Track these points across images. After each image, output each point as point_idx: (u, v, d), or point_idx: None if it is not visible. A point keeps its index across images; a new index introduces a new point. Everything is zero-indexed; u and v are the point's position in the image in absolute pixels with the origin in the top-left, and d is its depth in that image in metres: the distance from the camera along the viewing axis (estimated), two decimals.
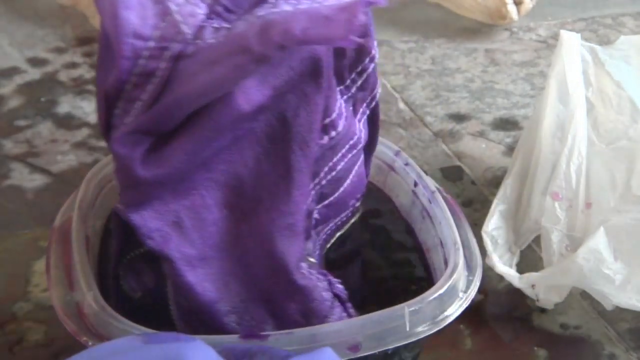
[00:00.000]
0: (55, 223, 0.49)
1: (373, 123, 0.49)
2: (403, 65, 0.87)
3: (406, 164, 0.53)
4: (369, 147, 0.50)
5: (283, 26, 0.38)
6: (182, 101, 0.40)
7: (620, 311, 0.56)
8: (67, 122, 0.75)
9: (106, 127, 0.42)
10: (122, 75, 0.40)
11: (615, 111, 0.62)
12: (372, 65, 0.47)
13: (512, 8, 0.90)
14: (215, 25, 0.41)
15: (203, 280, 0.42)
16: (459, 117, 0.78)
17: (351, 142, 0.47)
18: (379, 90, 0.48)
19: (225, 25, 0.41)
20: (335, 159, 0.47)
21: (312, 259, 0.45)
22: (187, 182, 0.42)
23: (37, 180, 0.68)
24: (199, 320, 0.42)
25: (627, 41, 0.66)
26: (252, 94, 0.41)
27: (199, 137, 0.40)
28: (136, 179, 0.40)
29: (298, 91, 0.42)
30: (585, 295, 0.57)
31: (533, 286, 0.55)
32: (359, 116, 0.48)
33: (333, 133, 0.46)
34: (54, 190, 0.67)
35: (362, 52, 0.46)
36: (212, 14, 0.41)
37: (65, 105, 0.78)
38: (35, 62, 0.84)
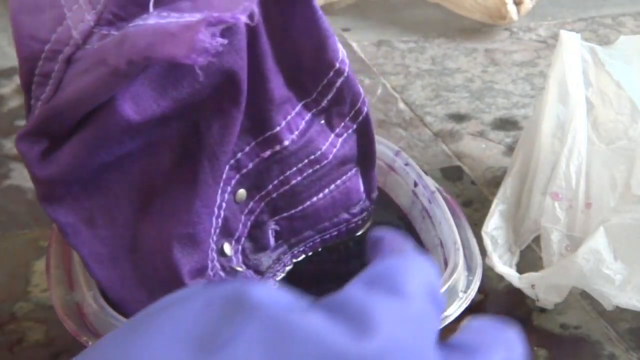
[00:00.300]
0: None
1: (363, 138, 0.49)
2: (403, 65, 0.87)
3: (406, 164, 0.53)
4: (362, 162, 0.50)
5: (132, 40, 0.38)
6: (61, 105, 0.41)
7: (620, 311, 0.56)
8: None
9: None
10: (26, 75, 0.42)
11: (615, 111, 0.62)
12: (340, 79, 0.46)
13: (512, 8, 0.90)
14: (104, 32, 0.41)
15: (113, 281, 0.43)
16: (459, 117, 0.78)
17: (312, 157, 0.47)
18: (365, 104, 0.48)
19: (114, 32, 0.41)
20: (287, 173, 0.47)
21: (239, 268, 0.45)
22: (98, 181, 0.43)
23: None
24: None
25: (627, 41, 0.66)
26: (144, 104, 0.41)
27: (86, 142, 0.41)
28: (34, 176, 0.42)
29: (213, 104, 0.42)
30: (585, 295, 0.57)
31: (533, 286, 0.55)
32: (337, 131, 0.48)
33: (277, 147, 0.46)
34: None
35: (320, 65, 0.46)
36: (100, 20, 0.41)
37: None
38: None
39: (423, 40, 0.92)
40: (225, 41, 0.37)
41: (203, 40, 0.36)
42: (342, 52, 0.46)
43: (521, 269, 0.58)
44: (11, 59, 0.85)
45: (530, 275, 0.55)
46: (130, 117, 0.41)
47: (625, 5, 1.01)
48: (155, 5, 0.41)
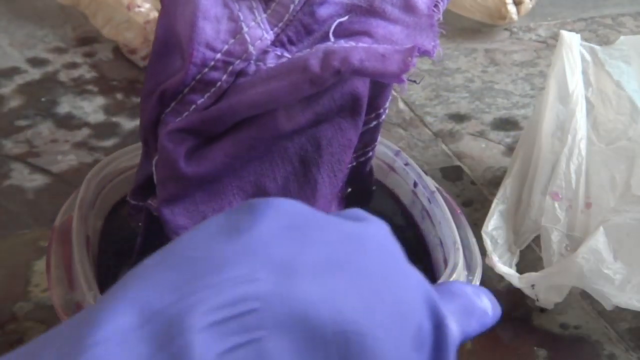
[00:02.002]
0: (55, 223, 0.49)
1: (359, 176, 0.50)
2: None
3: (406, 164, 0.53)
4: (355, 198, 0.50)
5: (343, 54, 0.41)
6: (235, 109, 0.42)
7: (620, 311, 0.56)
8: (67, 122, 0.75)
9: (154, 122, 0.44)
10: (187, 79, 0.43)
11: (615, 111, 0.62)
12: (374, 122, 0.49)
13: (512, 8, 0.90)
14: (278, 52, 0.43)
15: None
16: (459, 117, 0.78)
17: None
18: (374, 151, 0.50)
19: (287, 55, 0.43)
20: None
21: None
22: (218, 185, 0.44)
23: (37, 180, 0.68)
24: None
25: (627, 41, 0.66)
26: (295, 114, 0.43)
27: (239, 144, 0.43)
28: (178, 173, 0.42)
29: (335, 123, 0.45)
30: (585, 295, 0.57)
31: (533, 286, 0.55)
32: None
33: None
34: (54, 190, 0.67)
35: (371, 105, 0.48)
36: (277, 42, 0.44)
37: (66, 105, 0.78)
38: (35, 62, 0.84)
39: None
40: (415, 65, 0.41)
41: (414, 63, 0.41)
42: None
43: (521, 269, 0.58)
44: (11, 59, 0.85)
45: (530, 275, 0.55)
46: (284, 125, 0.43)
47: (625, 5, 1.01)
48: (334, 37, 0.44)
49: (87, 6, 0.89)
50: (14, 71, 0.83)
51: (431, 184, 0.51)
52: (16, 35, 0.89)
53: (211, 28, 0.43)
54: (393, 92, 0.82)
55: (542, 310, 0.57)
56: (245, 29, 0.43)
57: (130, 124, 0.75)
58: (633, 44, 0.66)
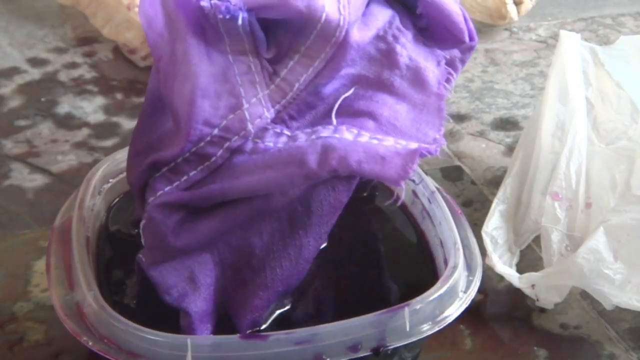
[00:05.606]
0: (55, 223, 0.49)
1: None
2: None
3: None
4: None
5: (341, 153, 0.40)
6: (227, 193, 0.41)
7: (620, 311, 0.56)
8: (67, 122, 0.75)
9: (142, 187, 0.43)
10: (181, 154, 0.42)
11: (615, 111, 0.62)
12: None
13: (512, 8, 0.90)
14: (278, 130, 0.42)
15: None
16: (459, 117, 0.78)
17: None
18: None
19: (287, 132, 0.42)
20: None
21: None
22: (203, 243, 0.43)
23: (37, 180, 0.68)
24: None
25: (627, 41, 0.66)
26: (289, 191, 0.42)
27: (230, 218, 0.42)
28: (166, 245, 0.42)
29: (330, 184, 0.43)
30: (585, 295, 0.57)
31: (533, 286, 0.55)
32: None
33: None
34: (54, 190, 0.67)
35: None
36: (277, 119, 0.42)
37: (65, 105, 0.78)
38: (35, 62, 0.85)
39: None
40: (415, 170, 0.40)
41: (415, 170, 0.40)
42: None
43: (521, 269, 0.58)
44: (11, 59, 0.85)
45: (530, 275, 0.55)
46: (277, 201, 0.42)
47: (625, 5, 1.01)
48: (337, 117, 0.42)
49: (87, 6, 0.89)
50: (14, 71, 0.83)
51: (431, 184, 0.51)
52: (16, 35, 0.89)
53: (210, 105, 0.41)
54: None
55: (542, 310, 0.57)
56: (246, 106, 0.41)
57: (130, 124, 0.75)
58: (633, 44, 0.66)
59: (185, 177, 0.42)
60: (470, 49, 0.45)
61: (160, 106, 0.44)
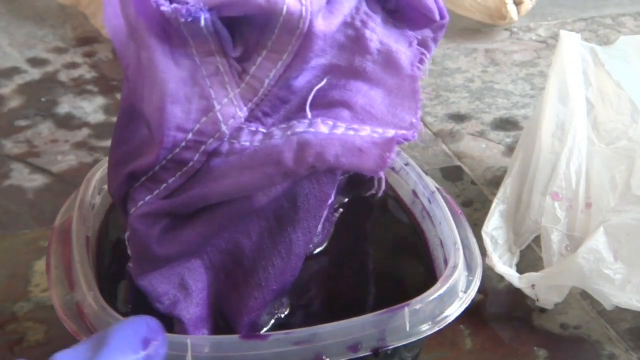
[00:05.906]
0: (55, 223, 0.49)
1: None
2: None
3: (406, 164, 0.53)
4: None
5: (317, 149, 0.40)
6: (207, 197, 0.41)
7: (620, 311, 0.56)
8: (67, 122, 0.75)
9: (123, 197, 0.43)
10: (157, 161, 0.41)
11: (615, 111, 0.62)
12: None
13: (512, 8, 0.90)
14: (252, 128, 0.42)
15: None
16: (459, 117, 0.78)
17: None
18: None
19: (262, 129, 0.42)
20: None
21: None
22: (191, 248, 0.43)
23: (37, 180, 0.68)
24: None
25: (627, 41, 0.66)
26: (272, 189, 0.42)
27: (213, 222, 0.42)
28: (151, 254, 0.41)
29: (314, 177, 0.43)
30: (585, 295, 0.57)
31: (533, 286, 0.55)
32: None
33: None
34: (54, 190, 0.67)
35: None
36: (251, 117, 0.42)
37: (65, 105, 0.78)
38: (35, 62, 0.85)
39: None
40: (393, 159, 0.40)
41: (393, 158, 0.39)
42: None
43: (521, 269, 0.58)
44: (11, 59, 0.85)
45: (530, 275, 0.55)
46: (259, 200, 0.42)
47: (625, 5, 1.01)
48: (311, 109, 0.42)
49: (87, 6, 0.89)
50: (14, 71, 0.83)
51: (431, 184, 0.51)
52: (16, 35, 0.89)
53: (181, 110, 0.40)
54: None
55: (542, 310, 0.57)
56: (218, 107, 0.41)
57: None
58: (633, 44, 0.66)
59: (164, 185, 0.41)
60: (442, 27, 0.44)
61: (135, 115, 0.43)
